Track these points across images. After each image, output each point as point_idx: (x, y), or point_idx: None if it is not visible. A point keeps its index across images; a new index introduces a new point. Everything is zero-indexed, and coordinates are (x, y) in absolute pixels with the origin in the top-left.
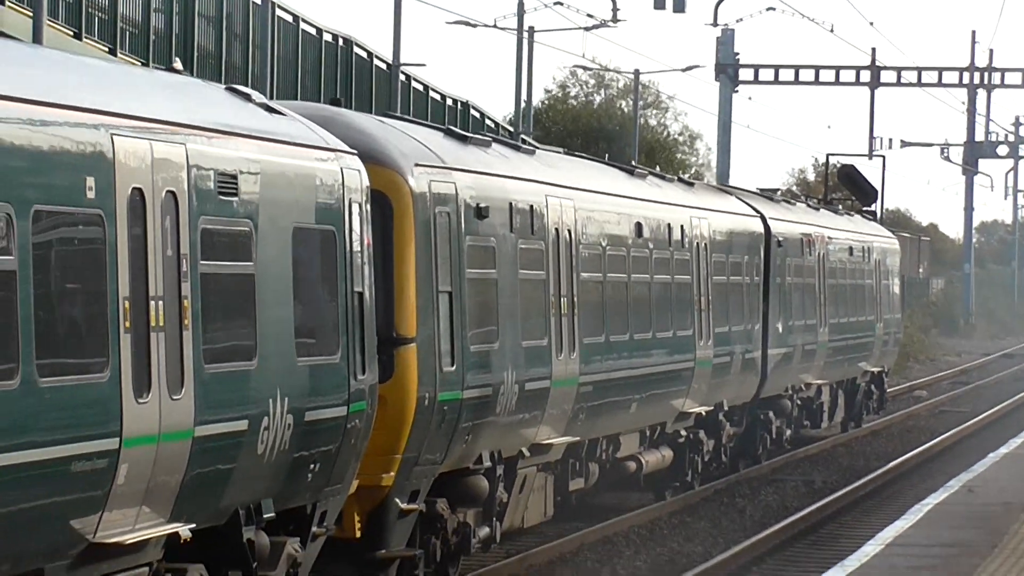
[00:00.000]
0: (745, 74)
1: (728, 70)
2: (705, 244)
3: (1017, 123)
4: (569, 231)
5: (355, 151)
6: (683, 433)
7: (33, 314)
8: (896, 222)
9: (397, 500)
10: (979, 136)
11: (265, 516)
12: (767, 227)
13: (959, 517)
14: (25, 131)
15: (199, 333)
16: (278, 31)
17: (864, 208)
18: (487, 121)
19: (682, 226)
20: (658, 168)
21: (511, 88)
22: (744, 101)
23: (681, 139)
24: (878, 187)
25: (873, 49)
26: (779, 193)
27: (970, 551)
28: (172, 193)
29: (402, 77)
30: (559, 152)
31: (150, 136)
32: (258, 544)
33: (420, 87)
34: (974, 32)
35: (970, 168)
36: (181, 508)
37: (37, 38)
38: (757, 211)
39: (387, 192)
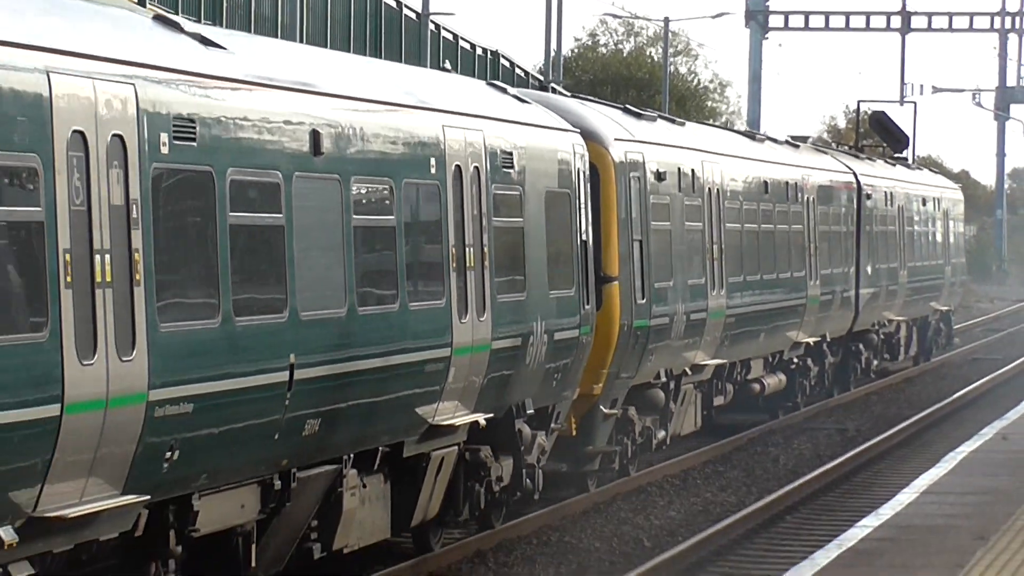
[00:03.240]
0: (775, 21)
1: (758, 17)
2: (813, 198)
3: None
4: (717, 190)
5: (577, 130)
6: (795, 360)
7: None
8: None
9: (602, 407)
10: (1011, 81)
11: (527, 412)
12: (858, 182)
13: (993, 464)
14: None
15: (493, 271)
16: None
17: (895, 155)
18: (516, 70)
19: (796, 183)
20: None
21: (541, 37)
22: (774, 48)
23: (711, 87)
24: (909, 133)
25: None
26: (809, 141)
27: (1005, 498)
28: (476, 168)
29: (431, 26)
30: (700, 124)
31: (462, 125)
32: (523, 433)
33: (449, 36)
34: None
35: (1002, 114)
36: (480, 404)
37: None
38: (849, 168)
39: (596, 162)
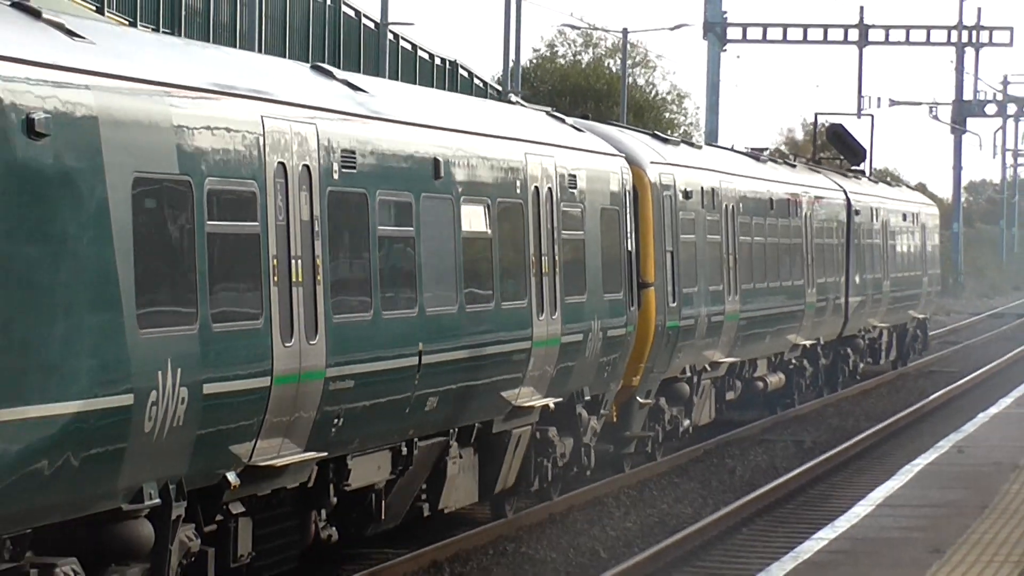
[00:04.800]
0: (733, 33)
1: (716, 28)
2: (809, 213)
3: (1005, 82)
4: (733, 206)
5: (623, 155)
6: (793, 361)
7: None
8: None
9: (639, 397)
10: (967, 95)
11: (585, 398)
12: (848, 199)
13: (949, 477)
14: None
15: (561, 276)
16: None
17: (852, 167)
18: (475, 81)
19: (796, 199)
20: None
21: (499, 47)
22: (732, 60)
23: (669, 98)
24: (867, 146)
25: (861, 7)
26: (767, 152)
27: (960, 511)
28: (550, 189)
29: (390, 36)
30: (713, 147)
31: (539, 152)
32: (582, 417)
33: (408, 46)
34: None
35: (959, 127)
36: (550, 390)
37: None
38: (840, 186)
39: (636, 182)
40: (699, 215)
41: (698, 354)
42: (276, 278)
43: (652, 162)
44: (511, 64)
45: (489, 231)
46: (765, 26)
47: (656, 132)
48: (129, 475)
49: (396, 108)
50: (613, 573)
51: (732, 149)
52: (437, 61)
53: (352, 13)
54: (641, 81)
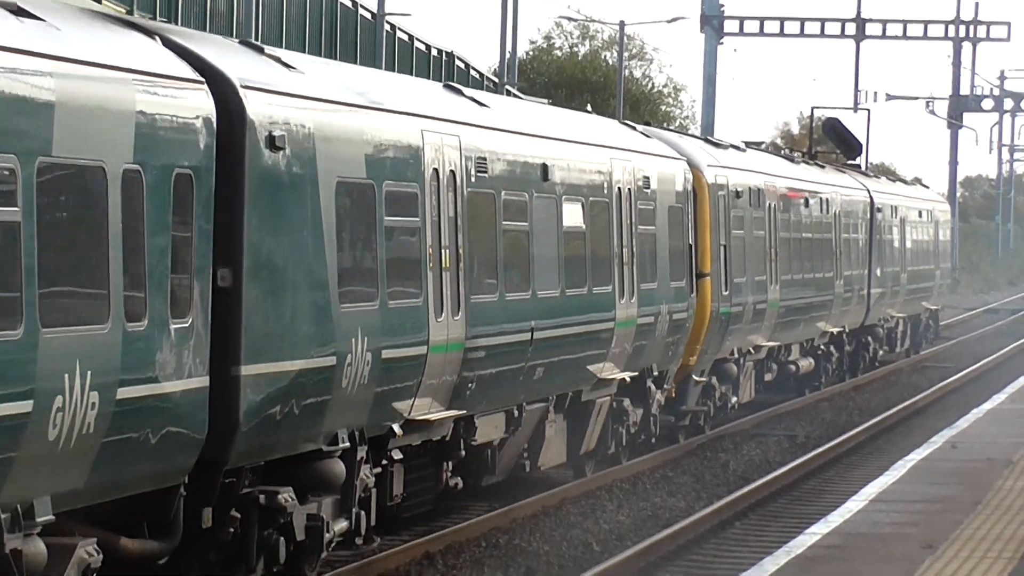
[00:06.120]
0: (730, 26)
1: (713, 22)
2: (838, 211)
3: (1002, 77)
4: (774, 204)
5: (684, 158)
6: (821, 347)
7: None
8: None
9: (694, 375)
10: (964, 90)
11: (654, 374)
12: (871, 198)
13: (942, 473)
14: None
15: (637, 265)
16: None
17: (848, 162)
18: (471, 72)
19: (827, 198)
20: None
21: (496, 39)
22: (729, 53)
23: (666, 91)
24: (863, 140)
25: (858, 1)
26: (764, 146)
27: (953, 507)
28: (630, 189)
29: (387, 27)
30: (755, 149)
31: (621, 158)
32: (651, 390)
33: (405, 37)
34: None
35: (955, 122)
36: (627, 365)
37: None
38: (864, 185)
39: (695, 183)
40: (747, 212)
41: (744, 338)
42: (431, 264)
43: (709, 165)
44: (508, 56)
45: (584, 226)
46: (762, 19)
47: (708, 137)
48: (329, 422)
49: (512, 121)
50: (606, 566)
51: (767, 150)
52: (434, 52)
53: (349, 3)
54: (638, 74)
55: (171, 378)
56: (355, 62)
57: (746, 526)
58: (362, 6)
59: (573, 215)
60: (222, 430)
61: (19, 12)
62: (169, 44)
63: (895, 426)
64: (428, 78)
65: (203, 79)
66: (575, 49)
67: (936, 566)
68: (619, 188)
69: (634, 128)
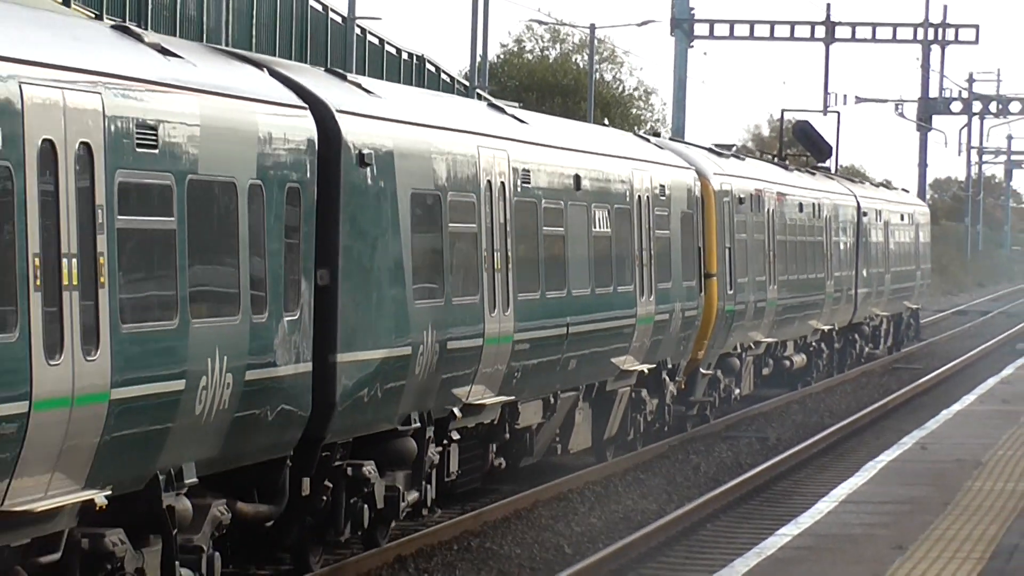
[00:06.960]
0: (700, 29)
1: (683, 25)
2: (830, 216)
3: (971, 80)
4: (773, 209)
5: (693, 167)
6: (813, 344)
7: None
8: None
9: (701, 369)
10: (933, 93)
11: (669, 367)
12: (858, 203)
13: (912, 474)
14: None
15: (654, 266)
16: None
17: (818, 164)
18: (442, 76)
19: (819, 203)
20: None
21: (466, 42)
22: (699, 56)
23: (636, 94)
24: (833, 143)
25: (828, 4)
26: (734, 149)
27: (923, 508)
28: (648, 197)
29: (357, 31)
30: (752, 158)
31: (640, 168)
32: (666, 381)
33: (375, 41)
34: None
35: (924, 125)
36: (645, 358)
37: None
38: (851, 191)
39: (703, 190)
40: (748, 217)
41: (746, 334)
42: (486, 265)
43: (715, 173)
44: (478, 59)
45: (610, 231)
46: (732, 23)
47: (712, 146)
48: (404, 405)
49: (549, 135)
50: (577, 568)
51: (738, 154)
52: (404, 56)
53: (319, 7)
54: (608, 77)
55: (285, 363)
56: (326, 66)
57: (717, 528)
58: (333, 10)
59: (601, 221)
60: (322, 409)
61: (164, 52)
62: (274, 74)
63: (866, 428)
64: (399, 82)
65: (306, 105)
66: (546, 52)
67: (906, 567)
68: (639, 196)
69: (648, 140)
